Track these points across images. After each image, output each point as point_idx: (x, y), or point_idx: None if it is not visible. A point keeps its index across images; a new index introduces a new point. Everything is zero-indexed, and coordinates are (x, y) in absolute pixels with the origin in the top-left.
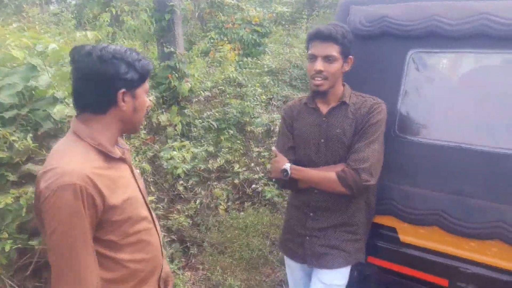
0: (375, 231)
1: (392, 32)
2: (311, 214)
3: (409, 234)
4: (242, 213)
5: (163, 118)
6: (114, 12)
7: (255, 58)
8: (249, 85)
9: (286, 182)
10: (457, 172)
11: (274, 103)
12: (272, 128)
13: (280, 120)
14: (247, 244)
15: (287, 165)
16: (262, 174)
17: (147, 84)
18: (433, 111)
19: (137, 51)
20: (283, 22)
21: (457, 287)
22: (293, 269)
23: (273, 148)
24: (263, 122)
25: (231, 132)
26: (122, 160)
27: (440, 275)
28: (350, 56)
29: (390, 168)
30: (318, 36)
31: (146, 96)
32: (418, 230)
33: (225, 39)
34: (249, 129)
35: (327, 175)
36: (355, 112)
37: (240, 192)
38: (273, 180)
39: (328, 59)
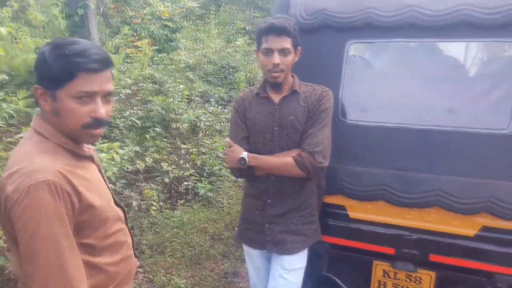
0: (325, 211)
1: (331, 24)
2: (268, 201)
3: (357, 210)
4: (176, 211)
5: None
6: (16, 7)
7: (169, 54)
8: (169, 81)
9: (243, 171)
10: (397, 149)
11: (197, 99)
12: (198, 124)
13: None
14: (186, 242)
15: (244, 154)
16: (193, 171)
17: (78, 88)
18: (372, 96)
19: (84, 48)
20: (194, 18)
21: (403, 253)
22: (253, 257)
23: (227, 139)
24: (190, 118)
25: (157, 130)
26: (91, 159)
27: (387, 245)
28: (299, 48)
29: (337, 150)
30: (272, 30)
31: (89, 102)
32: (366, 206)
33: (135, 34)
34: (174, 126)
35: (284, 160)
36: (305, 100)
37: (172, 191)
38: (229, 170)
39: (283, 52)
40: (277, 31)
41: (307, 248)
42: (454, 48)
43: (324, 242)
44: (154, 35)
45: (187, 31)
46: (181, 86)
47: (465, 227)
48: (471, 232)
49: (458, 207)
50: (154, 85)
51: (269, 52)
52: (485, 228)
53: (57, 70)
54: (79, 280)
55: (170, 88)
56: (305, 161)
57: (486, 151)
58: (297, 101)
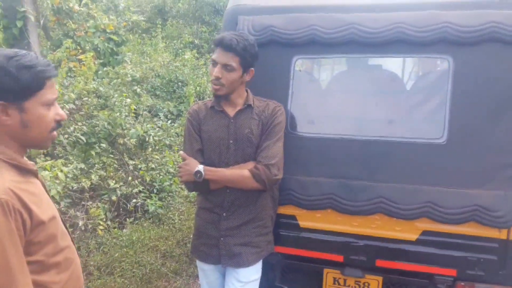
0: (277, 221)
1: (278, 40)
2: (224, 214)
3: (307, 219)
4: (125, 230)
5: None
6: None
7: (114, 68)
8: (115, 96)
9: (198, 184)
10: (342, 159)
11: (146, 113)
12: (147, 139)
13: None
14: (137, 261)
15: (200, 167)
16: (142, 187)
17: (46, 96)
18: (317, 109)
19: (35, 57)
20: (139, 31)
21: (351, 260)
22: (207, 272)
23: (181, 152)
24: (138, 133)
25: (103, 146)
26: (35, 174)
27: (336, 252)
28: (252, 68)
29: (287, 161)
30: (220, 44)
31: (52, 108)
32: (315, 215)
33: (78, 48)
34: (121, 142)
35: (240, 172)
36: (260, 114)
37: (120, 209)
38: (184, 183)
39: (227, 67)
40: (224, 46)
41: (261, 260)
42: (392, 63)
43: (276, 252)
44: (98, 49)
45: (133, 45)
46: (128, 100)
47: (407, 232)
48: (413, 236)
49: (400, 213)
50: (99, 100)
51: (214, 63)
52: (425, 232)
53: (27, 80)
54: None
55: (116, 103)
56: (262, 174)
57: (424, 159)
58: (252, 115)
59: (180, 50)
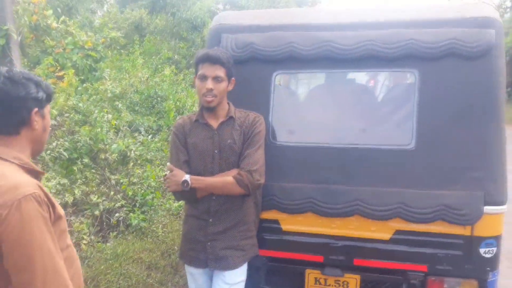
0: (261, 226)
1: (258, 57)
2: (210, 220)
3: (289, 223)
4: (108, 243)
5: None
6: None
7: (93, 84)
8: (96, 111)
9: (185, 193)
10: (320, 166)
11: (126, 128)
12: (128, 154)
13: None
14: (122, 273)
15: (187, 177)
16: (124, 202)
17: (49, 105)
18: (296, 120)
19: (38, 76)
20: (118, 47)
21: (330, 260)
22: (195, 276)
23: (168, 163)
24: (120, 148)
25: (85, 161)
26: (41, 178)
27: (317, 253)
28: (233, 78)
29: (270, 169)
30: (208, 59)
31: None
32: (297, 218)
33: (57, 65)
34: (103, 157)
35: (225, 179)
36: (241, 125)
37: (104, 223)
38: (172, 193)
39: (217, 79)
40: (211, 60)
41: (246, 262)
42: (364, 77)
43: (261, 256)
44: (77, 65)
45: (111, 61)
46: (109, 115)
47: (381, 231)
48: (387, 236)
49: (375, 214)
50: (79, 116)
51: (203, 78)
52: (398, 232)
53: (49, 90)
54: (68, 279)
55: (97, 118)
56: (245, 179)
57: (395, 164)
58: (234, 126)
59: (159, 66)
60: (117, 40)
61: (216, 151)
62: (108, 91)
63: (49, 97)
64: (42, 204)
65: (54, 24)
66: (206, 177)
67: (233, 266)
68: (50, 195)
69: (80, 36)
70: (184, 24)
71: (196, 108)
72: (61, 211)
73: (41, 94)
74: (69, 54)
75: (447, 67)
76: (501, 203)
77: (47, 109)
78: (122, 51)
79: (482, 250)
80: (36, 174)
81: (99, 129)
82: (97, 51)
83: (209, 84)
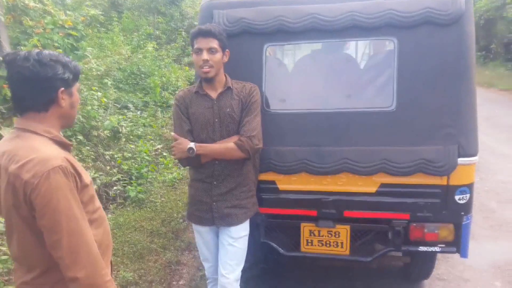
0: (260, 187)
1: (250, 30)
2: (214, 182)
3: (285, 183)
4: (109, 215)
5: (5, 132)
6: None
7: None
8: (84, 89)
9: (190, 159)
10: (311, 130)
11: (116, 105)
12: (120, 130)
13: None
14: (126, 240)
15: (192, 144)
16: (121, 175)
17: (78, 83)
18: (287, 88)
19: (68, 56)
20: (98, 25)
21: (323, 213)
22: (202, 233)
23: (172, 133)
24: (112, 124)
25: (79, 138)
26: (69, 149)
27: (310, 208)
28: (227, 50)
29: (266, 135)
30: (201, 33)
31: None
32: (291, 178)
33: (38, 45)
34: (95, 134)
35: (227, 145)
36: (238, 94)
37: (103, 197)
38: (178, 160)
39: (211, 50)
40: (204, 34)
41: (249, 219)
42: (349, 46)
43: (260, 213)
44: (58, 45)
45: (92, 39)
46: (99, 93)
47: (368, 186)
48: (373, 189)
49: (361, 170)
50: None
51: (199, 51)
52: (383, 185)
53: (77, 70)
54: (93, 239)
55: (88, 96)
56: (245, 144)
57: (378, 125)
58: (232, 96)
59: (142, 42)
60: (97, 18)
61: (216, 120)
62: (94, 70)
63: (76, 76)
64: (68, 175)
65: (32, 4)
66: (210, 144)
67: (237, 222)
68: (77, 166)
69: (59, 16)
70: None
71: (181, 83)
72: (87, 179)
73: (67, 75)
74: (49, 34)
75: (422, 34)
76: (472, 154)
77: (75, 87)
78: (102, 29)
79: (457, 197)
80: (65, 146)
81: (89, 107)
82: (78, 30)
83: (205, 55)
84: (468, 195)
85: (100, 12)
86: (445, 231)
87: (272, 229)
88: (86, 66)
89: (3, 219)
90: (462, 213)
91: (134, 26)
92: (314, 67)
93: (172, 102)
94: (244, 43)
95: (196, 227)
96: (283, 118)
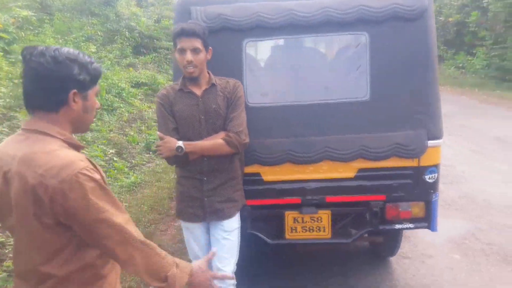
0: (245, 179)
1: (229, 27)
2: (204, 178)
3: (269, 174)
4: None
5: None
6: None
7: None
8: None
9: (178, 158)
10: (293, 121)
11: None
12: None
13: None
14: None
15: (180, 142)
16: None
17: (98, 87)
18: (268, 82)
19: (89, 55)
20: (31, 27)
21: (307, 200)
22: (192, 230)
23: (158, 132)
24: None
25: None
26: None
27: (294, 196)
28: (210, 48)
29: (250, 129)
30: (184, 33)
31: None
32: (276, 169)
33: None
34: None
35: (215, 142)
36: (223, 90)
37: None
38: (165, 159)
39: (195, 51)
40: (187, 33)
41: (239, 211)
42: (324, 41)
43: (246, 205)
44: None
45: (26, 42)
46: None
47: (347, 171)
48: (352, 174)
49: (341, 157)
50: (13, 101)
51: (182, 51)
52: (361, 170)
53: (94, 73)
54: (134, 231)
55: None
56: (234, 140)
57: (355, 114)
58: (216, 92)
59: (82, 44)
60: (29, 20)
61: (202, 117)
62: None
63: (94, 79)
64: (96, 172)
65: None
66: (198, 141)
67: (229, 215)
68: (96, 164)
69: None
70: None
71: (122, 85)
72: (105, 180)
73: (83, 76)
74: None
75: (391, 28)
76: (439, 137)
77: (93, 91)
78: (35, 31)
79: (427, 177)
80: (77, 148)
81: None
82: (9, 33)
83: (188, 56)
84: (436, 175)
85: (33, 14)
86: (417, 208)
87: (257, 220)
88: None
89: (13, 231)
90: (431, 191)
91: (67, 28)
92: (293, 62)
93: (116, 105)
94: (224, 39)
95: (185, 224)
96: (265, 112)
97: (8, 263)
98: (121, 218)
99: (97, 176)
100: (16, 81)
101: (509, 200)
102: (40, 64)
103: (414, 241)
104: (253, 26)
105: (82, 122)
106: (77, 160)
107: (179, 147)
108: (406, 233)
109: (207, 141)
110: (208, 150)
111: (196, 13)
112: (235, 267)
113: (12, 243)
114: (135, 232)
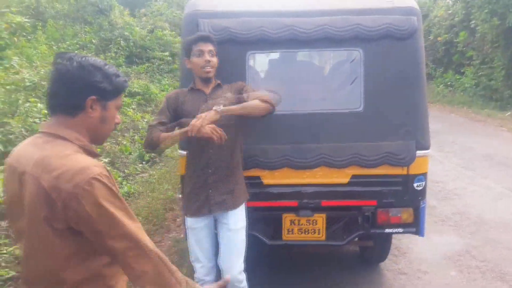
0: (246, 182)
1: (234, 39)
2: (209, 170)
3: (269, 178)
4: None
5: None
6: None
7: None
8: (19, 102)
9: (153, 143)
10: (292, 129)
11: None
12: None
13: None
14: None
15: (216, 106)
16: None
17: (120, 101)
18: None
19: (118, 70)
20: (24, 33)
21: (303, 203)
22: (196, 230)
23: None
24: None
25: None
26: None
27: (292, 199)
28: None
29: (252, 133)
30: (202, 39)
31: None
32: (275, 173)
33: None
34: None
35: (252, 102)
36: (230, 88)
37: None
38: (145, 145)
39: (211, 53)
40: (205, 39)
41: (245, 210)
42: (322, 56)
43: (246, 207)
44: None
45: (19, 48)
46: (39, 105)
47: (341, 177)
48: (346, 180)
49: (335, 164)
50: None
51: (200, 53)
52: (354, 176)
53: (117, 85)
54: (147, 239)
55: (26, 108)
56: (267, 99)
57: (350, 124)
58: (223, 90)
59: (77, 51)
60: (23, 26)
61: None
62: (26, 80)
63: (117, 91)
64: (111, 179)
65: None
66: (232, 106)
67: (233, 207)
68: (110, 172)
69: None
70: (89, 7)
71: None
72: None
73: (105, 85)
74: None
75: (384, 46)
76: (427, 148)
77: (114, 103)
78: (29, 37)
79: (415, 185)
80: (93, 156)
81: (31, 120)
82: (2, 38)
83: (207, 56)
84: (423, 183)
85: (27, 20)
86: (406, 214)
87: (256, 221)
88: (17, 76)
89: (22, 235)
90: (420, 198)
91: (60, 35)
92: (292, 74)
93: None
94: (229, 50)
95: (191, 224)
96: (266, 119)
97: (2, 272)
98: (134, 226)
99: (111, 182)
100: (8, 87)
101: (501, 216)
102: (65, 66)
103: (410, 257)
104: (256, 40)
105: (98, 132)
106: (92, 166)
107: (216, 109)
108: (402, 249)
109: (244, 104)
110: (244, 108)
111: (203, 25)
112: (244, 265)
113: (4, 252)
114: (149, 242)
